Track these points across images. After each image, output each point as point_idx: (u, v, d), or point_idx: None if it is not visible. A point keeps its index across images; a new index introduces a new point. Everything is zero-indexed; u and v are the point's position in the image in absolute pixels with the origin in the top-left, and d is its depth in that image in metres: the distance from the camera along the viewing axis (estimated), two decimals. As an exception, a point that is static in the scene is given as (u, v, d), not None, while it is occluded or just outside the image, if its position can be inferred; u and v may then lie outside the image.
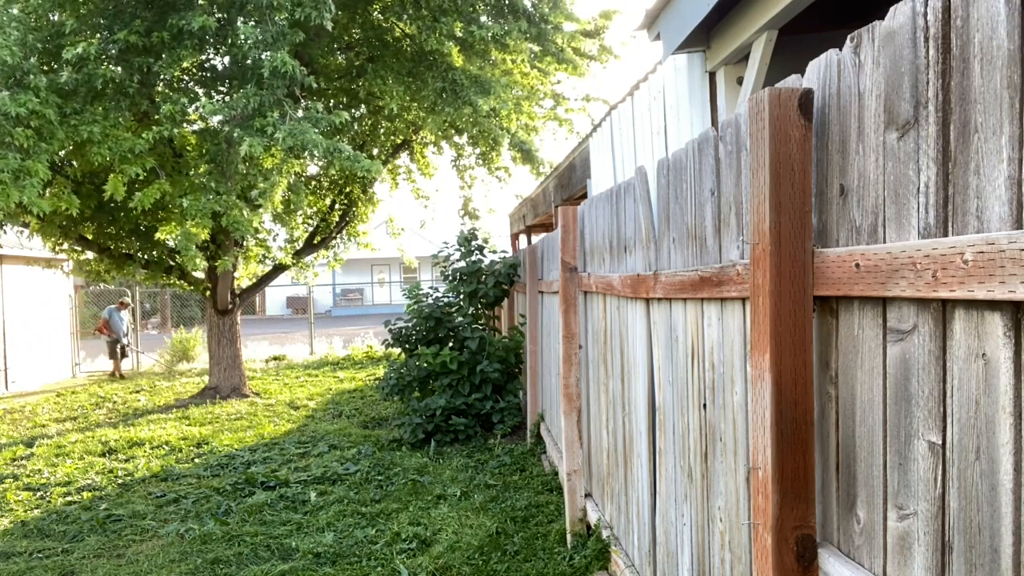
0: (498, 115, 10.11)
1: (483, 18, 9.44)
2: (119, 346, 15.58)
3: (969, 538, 1.29)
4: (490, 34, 9.10)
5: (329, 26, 8.05)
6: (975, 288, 1.21)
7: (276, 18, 7.86)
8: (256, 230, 10.37)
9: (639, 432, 3.46)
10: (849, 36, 1.61)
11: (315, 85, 8.21)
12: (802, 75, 1.80)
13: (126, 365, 16.41)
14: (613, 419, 4.08)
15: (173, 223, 9.69)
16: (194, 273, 12.08)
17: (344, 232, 13.46)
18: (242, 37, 7.75)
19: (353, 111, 11.16)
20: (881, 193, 1.51)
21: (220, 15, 8.38)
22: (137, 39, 8.02)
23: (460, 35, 9.20)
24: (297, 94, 8.45)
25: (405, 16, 9.41)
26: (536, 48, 9.83)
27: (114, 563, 4.99)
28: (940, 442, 1.35)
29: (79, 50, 7.57)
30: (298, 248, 13.09)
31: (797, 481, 1.73)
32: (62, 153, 8.96)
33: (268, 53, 7.73)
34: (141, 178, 8.57)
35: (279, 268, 12.82)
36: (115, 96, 8.23)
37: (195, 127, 10.21)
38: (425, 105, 9.75)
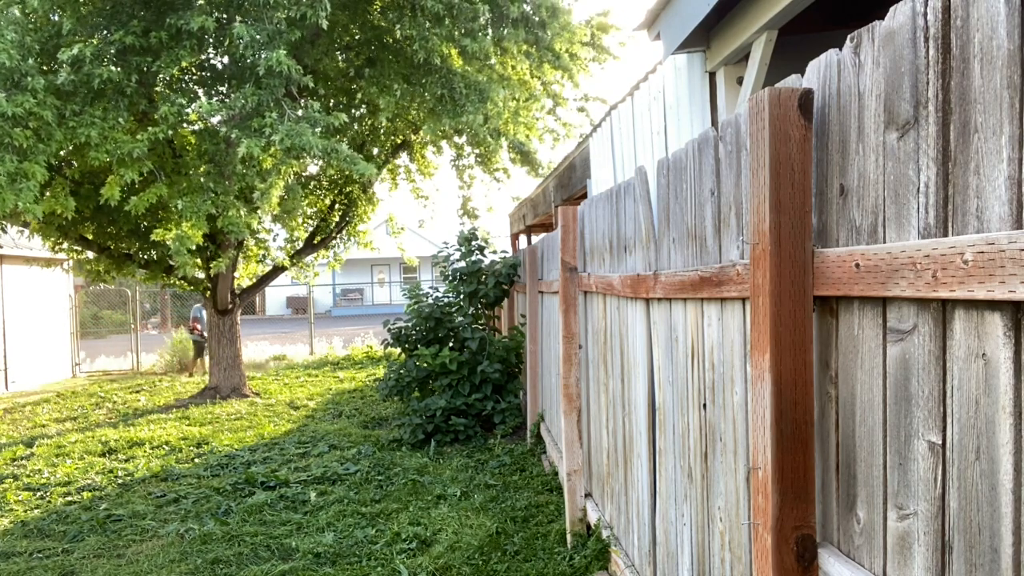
0: (496, 121, 10.11)
1: (481, 19, 9.43)
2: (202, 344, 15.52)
3: (969, 538, 1.29)
4: (488, 37, 9.08)
5: (325, 24, 8.03)
6: (975, 288, 1.21)
7: (273, 16, 7.83)
8: (253, 231, 10.36)
9: (639, 432, 3.46)
10: (849, 36, 1.61)
11: (312, 85, 8.19)
12: (802, 75, 1.80)
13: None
14: (613, 419, 4.08)
15: (170, 225, 9.69)
16: (194, 273, 12.08)
17: (344, 232, 13.45)
18: (237, 37, 7.73)
19: (353, 111, 11.16)
20: (881, 193, 1.51)
21: (219, 15, 8.36)
22: (134, 40, 8.01)
23: (461, 40, 9.19)
24: (295, 94, 8.43)
25: (404, 19, 9.40)
26: (534, 52, 9.83)
27: (114, 563, 4.99)
28: (940, 442, 1.35)
29: (75, 51, 7.54)
30: (298, 248, 13.09)
31: (797, 481, 1.73)
32: (61, 153, 8.94)
33: (264, 53, 7.70)
34: (139, 180, 8.55)
35: (279, 268, 12.82)
36: (113, 96, 8.22)
37: (195, 127, 10.20)
38: (424, 111, 9.75)
